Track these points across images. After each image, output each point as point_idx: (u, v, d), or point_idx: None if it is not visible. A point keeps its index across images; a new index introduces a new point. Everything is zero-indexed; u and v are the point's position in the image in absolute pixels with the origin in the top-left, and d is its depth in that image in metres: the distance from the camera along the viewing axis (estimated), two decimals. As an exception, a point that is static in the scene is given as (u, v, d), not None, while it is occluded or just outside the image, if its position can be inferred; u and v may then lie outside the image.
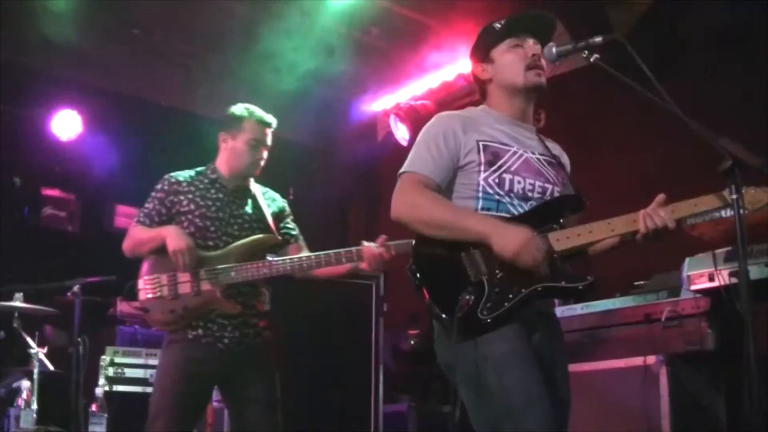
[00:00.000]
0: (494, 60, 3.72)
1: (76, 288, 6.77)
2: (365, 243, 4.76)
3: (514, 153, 3.59)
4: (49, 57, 8.14)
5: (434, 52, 8.81)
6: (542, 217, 3.50)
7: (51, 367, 6.96)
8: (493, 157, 3.53)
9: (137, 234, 4.92)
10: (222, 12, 8.37)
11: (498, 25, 3.75)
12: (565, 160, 3.85)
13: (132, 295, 5.02)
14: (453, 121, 3.63)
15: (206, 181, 5.01)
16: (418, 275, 3.43)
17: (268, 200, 5.15)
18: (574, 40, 3.54)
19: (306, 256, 4.86)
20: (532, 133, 3.75)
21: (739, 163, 3.02)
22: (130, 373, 7.10)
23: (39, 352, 6.81)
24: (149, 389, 6.87)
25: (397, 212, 3.51)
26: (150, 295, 4.82)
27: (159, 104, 9.11)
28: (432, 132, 3.61)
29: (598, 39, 3.42)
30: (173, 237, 4.74)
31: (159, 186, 4.99)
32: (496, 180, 3.51)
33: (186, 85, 8.96)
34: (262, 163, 5.08)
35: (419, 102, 9.23)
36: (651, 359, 5.42)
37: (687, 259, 5.42)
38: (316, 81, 9.29)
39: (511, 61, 3.67)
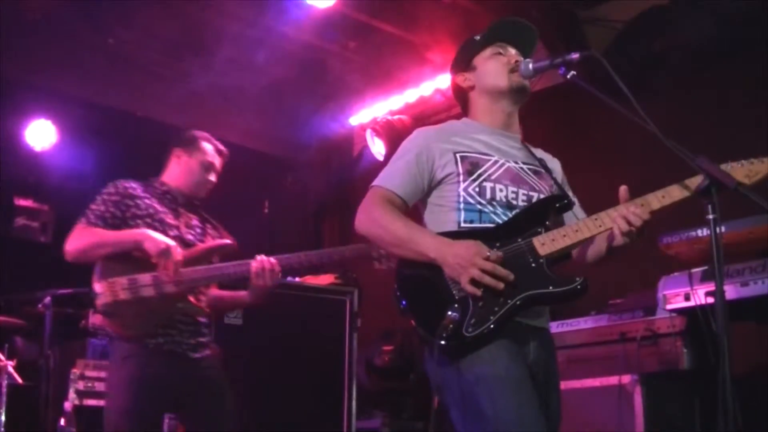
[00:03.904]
0: (476, 67, 3.74)
1: (47, 300, 6.71)
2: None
3: (495, 162, 3.56)
4: (23, 66, 8.07)
5: (412, 66, 8.81)
6: (525, 223, 3.45)
7: (20, 380, 6.88)
8: (471, 167, 3.51)
9: (93, 236, 4.69)
10: (198, 22, 8.33)
11: (479, 38, 3.76)
12: (554, 166, 3.82)
13: (93, 301, 4.74)
14: (429, 137, 3.62)
15: (158, 191, 4.98)
16: (402, 298, 3.37)
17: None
18: (551, 56, 3.53)
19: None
20: (516, 141, 3.73)
21: (715, 182, 3.00)
22: (100, 387, 6.98)
23: (8, 365, 6.73)
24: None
25: (358, 225, 3.52)
26: (112, 299, 4.59)
27: (134, 114, 9.04)
28: (407, 148, 3.61)
29: (575, 55, 3.41)
30: (153, 239, 4.62)
31: (111, 189, 4.84)
32: (477, 189, 3.48)
33: (160, 96, 8.90)
34: (210, 186, 5.09)
35: (396, 117, 9.21)
36: (626, 378, 5.41)
37: (663, 278, 5.41)
38: (292, 94, 9.27)
39: (494, 66, 3.68)
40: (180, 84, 8.95)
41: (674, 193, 3.37)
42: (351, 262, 4.88)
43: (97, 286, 4.65)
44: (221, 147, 5.14)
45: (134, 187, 4.90)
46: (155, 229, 4.74)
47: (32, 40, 7.94)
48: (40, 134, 8.80)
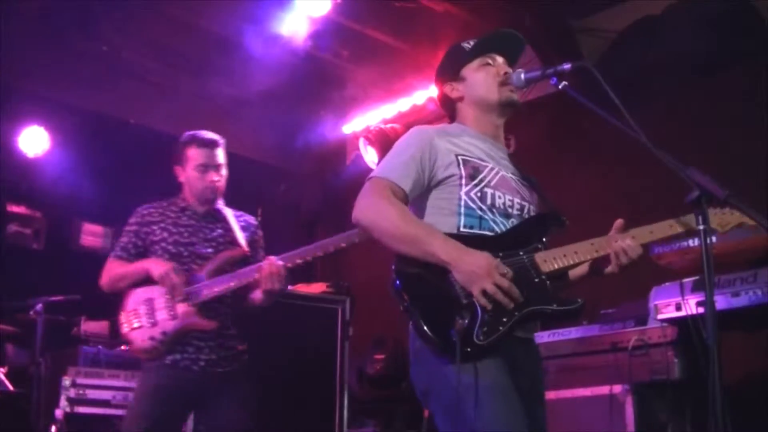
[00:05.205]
0: (465, 78, 3.72)
1: (38, 307, 6.69)
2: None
3: (492, 169, 3.56)
4: (16, 73, 8.06)
5: (405, 75, 8.81)
6: (525, 235, 3.46)
7: (11, 387, 6.86)
8: (473, 171, 3.50)
9: (115, 269, 5.01)
10: (192, 32, 8.34)
11: (467, 45, 3.75)
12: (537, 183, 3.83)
13: (117, 330, 5.07)
14: (431, 134, 3.59)
15: (176, 209, 5.10)
16: (406, 297, 3.32)
17: (242, 223, 5.21)
18: (543, 66, 3.53)
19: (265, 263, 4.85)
20: (504, 153, 3.73)
21: (706, 193, 3.00)
22: (92, 394, 6.96)
23: (-1, 372, 6.72)
24: (111, 411, 6.79)
25: (360, 215, 3.42)
26: (130, 327, 4.89)
27: (127, 122, 9.04)
28: (408, 142, 3.57)
29: (567, 66, 3.41)
30: (156, 264, 4.86)
31: (132, 219, 5.10)
32: (478, 194, 3.47)
33: (154, 103, 8.90)
34: (219, 183, 5.11)
35: (389, 125, 9.22)
36: (617, 388, 5.41)
37: (654, 288, 5.41)
38: (286, 103, 9.27)
39: (484, 79, 3.67)
40: (173, 92, 8.96)
41: (663, 229, 3.44)
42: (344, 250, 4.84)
43: (121, 317, 4.96)
44: (210, 139, 5.12)
45: (152, 212, 5.09)
46: (170, 252, 4.95)
47: (26, 46, 7.94)
48: (33, 141, 8.80)
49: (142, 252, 5.03)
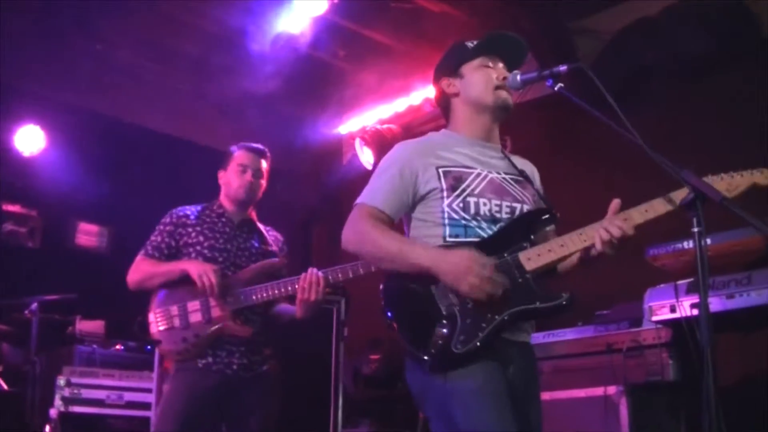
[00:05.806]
0: (464, 75, 3.73)
1: (33, 306, 6.69)
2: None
3: (478, 175, 3.56)
4: (13, 71, 8.05)
5: (401, 75, 8.81)
6: (510, 237, 3.45)
7: (5, 387, 6.86)
8: (455, 182, 3.51)
9: (147, 267, 4.99)
10: (189, 31, 8.33)
11: (470, 44, 3.75)
12: (534, 174, 3.82)
13: (143, 329, 5.05)
14: (411, 151, 3.62)
15: (213, 215, 5.14)
16: (389, 313, 3.38)
17: (271, 238, 5.27)
18: (539, 67, 3.53)
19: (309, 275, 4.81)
20: (497, 152, 3.72)
21: (701, 195, 3.01)
22: (86, 393, 6.98)
23: (-7, 371, 6.73)
24: (106, 411, 6.80)
25: (346, 242, 3.52)
26: (161, 327, 4.90)
27: (122, 121, 9.02)
28: (388, 163, 3.61)
29: (563, 67, 3.41)
30: (195, 264, 4.85)
31: (166, 219, 5.11)
32: (461, 204, 3.48)
33: (149, 103, 8.89)
34: (255, 187, 5.17)
35: (385, 126, 9.21)
36: (611, 389, 5.42)
37: (648, 290, 5.41)
38: (282, 102, 9.26)
39: (482, 79, 3.67)
40: (169, 91, 8.95)
41: (657, 207, 3.39)
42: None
43: (150, 316, 4.96)
44: (257, 147, 5.24)
45: (188, 215, 5.12)
46: (204, 256, 4.96)
47: (23, 45, 7.93)
48: (29, 140, 8.80)
49: (174, 253, 5.03)
